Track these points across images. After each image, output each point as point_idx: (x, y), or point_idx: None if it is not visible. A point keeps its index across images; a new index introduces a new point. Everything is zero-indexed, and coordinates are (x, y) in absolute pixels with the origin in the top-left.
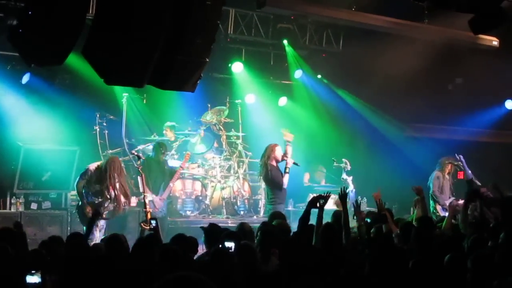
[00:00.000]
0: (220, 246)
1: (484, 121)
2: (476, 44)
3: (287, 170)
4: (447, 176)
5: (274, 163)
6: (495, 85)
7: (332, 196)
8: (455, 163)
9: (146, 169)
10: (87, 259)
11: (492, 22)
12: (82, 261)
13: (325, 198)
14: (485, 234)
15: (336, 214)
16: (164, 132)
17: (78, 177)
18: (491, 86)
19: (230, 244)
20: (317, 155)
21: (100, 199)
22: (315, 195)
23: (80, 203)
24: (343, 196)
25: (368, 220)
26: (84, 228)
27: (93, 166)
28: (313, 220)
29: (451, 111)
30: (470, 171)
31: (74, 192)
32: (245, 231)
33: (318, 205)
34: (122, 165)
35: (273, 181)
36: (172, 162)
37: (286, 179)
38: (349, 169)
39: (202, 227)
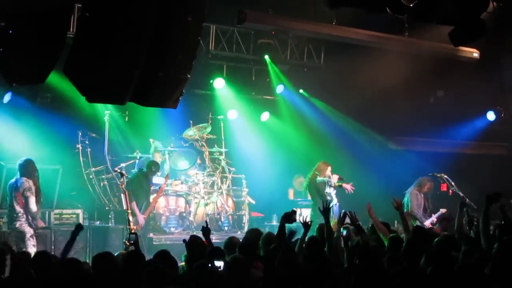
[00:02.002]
0: (210, 265)
1: (466, 133)
2: (457, 56)
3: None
4: (422, 195)
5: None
6: (476, 96)
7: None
8: (438, 175)
9: (137, 184)
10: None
11: (472, 34)
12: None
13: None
14: None
15: (320, 227)
16: (152, 151)
17: (30, 197)
18: (472, 97)
19: (219, 263)
20: (300, 169)
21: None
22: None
23: (19, 222)
24: (324, 210)
25: (344, 232)
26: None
27: (28, 180)
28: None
29: (433, 123)
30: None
31: (58, 211)
32: (235, 245)
33: (291, 219)
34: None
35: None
36: (155, 179)
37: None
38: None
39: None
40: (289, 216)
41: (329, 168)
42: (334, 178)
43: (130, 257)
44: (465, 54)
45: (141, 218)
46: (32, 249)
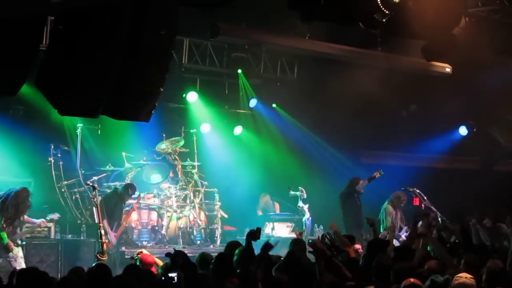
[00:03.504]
0: (163, 278)
1: (438, 147)
2: (429, 71)
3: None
4: (398, 209)
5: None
6: (449, 111)
7: (288, 224)
8: (411, 190)
9: (111, 203)
10: None
11: (445, 49)
12: None
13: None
14: None
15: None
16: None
17: None
18: (445, 112)
19: (173, 275)
20: (273, 183)
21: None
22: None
23: None
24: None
25: None
26: None
27: None
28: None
29: (406, 137)
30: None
31: (29, 225)
32: (206, 260)
33: (257, 236)
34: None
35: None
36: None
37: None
38: (305, 197)
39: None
40: (255, 233)
41: (361, 181)
42: (364, 183)
43: (97, 271)
44: (438, 69)
45: (113, 237)
46: None
